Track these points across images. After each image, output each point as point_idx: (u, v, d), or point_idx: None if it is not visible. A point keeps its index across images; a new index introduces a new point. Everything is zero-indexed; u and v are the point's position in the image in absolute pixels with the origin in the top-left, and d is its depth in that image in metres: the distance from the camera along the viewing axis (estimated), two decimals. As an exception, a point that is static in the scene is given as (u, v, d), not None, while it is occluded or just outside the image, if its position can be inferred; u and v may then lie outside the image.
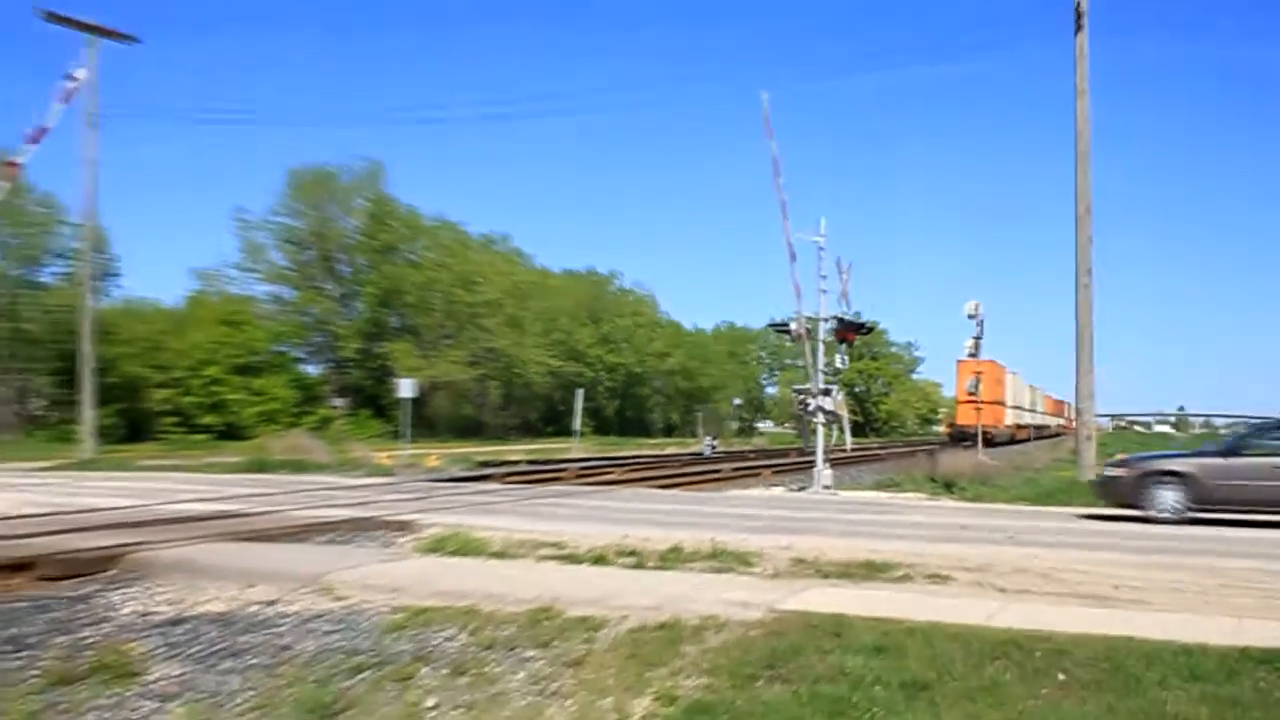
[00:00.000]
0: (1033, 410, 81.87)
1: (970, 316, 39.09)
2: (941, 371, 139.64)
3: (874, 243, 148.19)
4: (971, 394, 48.83)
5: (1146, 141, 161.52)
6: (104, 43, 37.92)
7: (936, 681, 7.30)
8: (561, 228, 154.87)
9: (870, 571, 12.24)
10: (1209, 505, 19.14)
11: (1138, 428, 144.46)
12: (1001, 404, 64.99)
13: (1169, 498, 19.24)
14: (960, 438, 55.24)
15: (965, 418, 55.42)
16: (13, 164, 21.61)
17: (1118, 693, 7.11)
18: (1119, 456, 22.18)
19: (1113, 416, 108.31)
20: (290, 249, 71.32)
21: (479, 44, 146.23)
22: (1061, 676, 7.52)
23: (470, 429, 73.07)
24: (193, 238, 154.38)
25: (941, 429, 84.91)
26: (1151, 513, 19.23)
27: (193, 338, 62.30)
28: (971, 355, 41.29)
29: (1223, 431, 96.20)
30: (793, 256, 26.60)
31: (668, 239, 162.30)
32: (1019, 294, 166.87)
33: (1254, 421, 35.11)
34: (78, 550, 12.78)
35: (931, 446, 54.76)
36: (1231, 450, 20.12)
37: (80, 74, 22.28)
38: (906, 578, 11.91)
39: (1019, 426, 72.06)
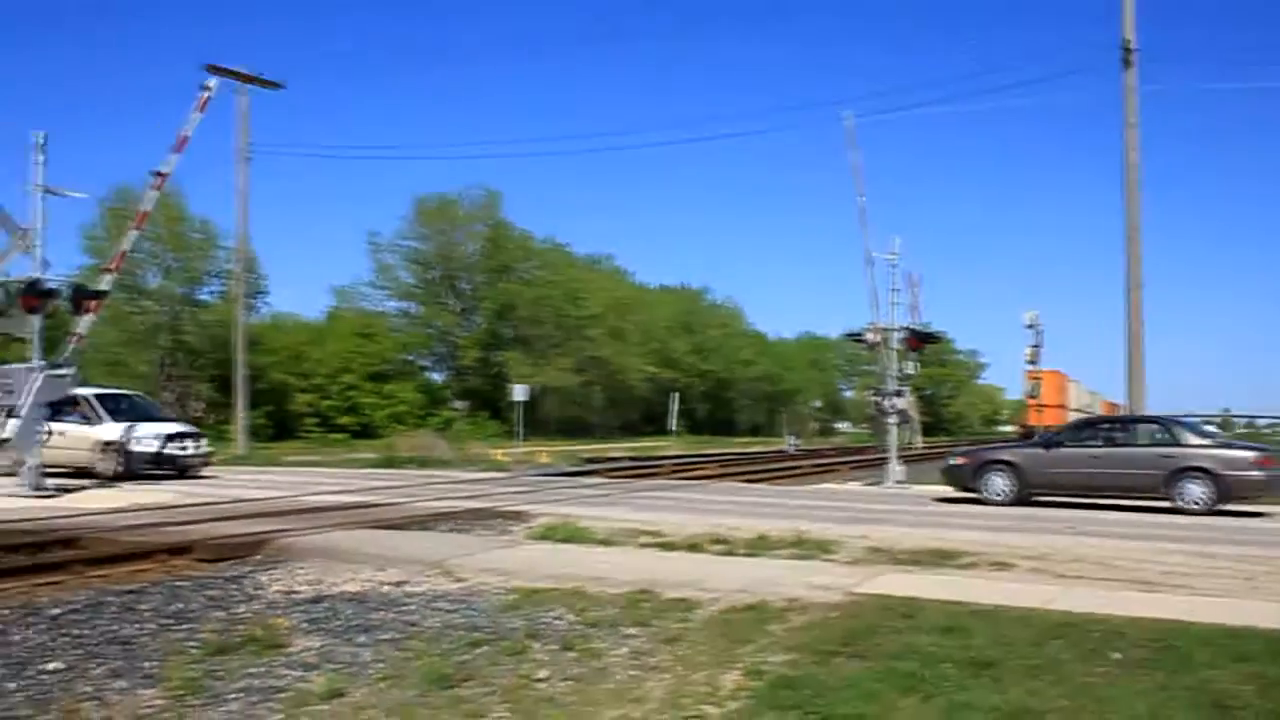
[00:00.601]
0: (1091, 412, 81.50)
1: (1029, 326, 38.76)
2: (1004, 376, 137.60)
3: (943, 257, 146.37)
4: (1032, 397, 48.43)
5: (1193, 136, 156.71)
6: (253, 88, 38.76)
7: (1000, 659, 7.20)
8: (658, 247, 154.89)
9: (939, 559, 12.11)
10: (1032, 490, 20.62)
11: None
12: (1064, 407, 64.81)
13: (999, 483, 20.70)
14: (1029, 436, 54.91)
15: (1034, 419, 53.99)
16: (160, 174, 21.89)
17: (1170, 671, 6.96)
18: (962, 449, 24.58)
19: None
20: (416, 269, 72.14)
21: (580, 82, 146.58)
22: (1117, 656, 7.37)
23: (577, 429, 73.23)
24: (331, 259, 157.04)
25: (1011, 429, 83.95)
26: (986, 496, 20.66)
27: (331, 348, 63.26)
28: (1031, 362, 40.96)
29: (1265, 431, 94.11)
30: (870, 262, 26.47)
31: (754, 255, 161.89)
32: (1079, 302, 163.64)
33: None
34: (230, 536, 13.04)
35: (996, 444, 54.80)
36: (1051, 444, 21.56)
37: (212, 84, 22.49)
38: (972, 564, 11.77)
39: None
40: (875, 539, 13.63)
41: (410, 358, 70.63)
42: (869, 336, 27.25)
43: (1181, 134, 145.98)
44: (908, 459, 28.61)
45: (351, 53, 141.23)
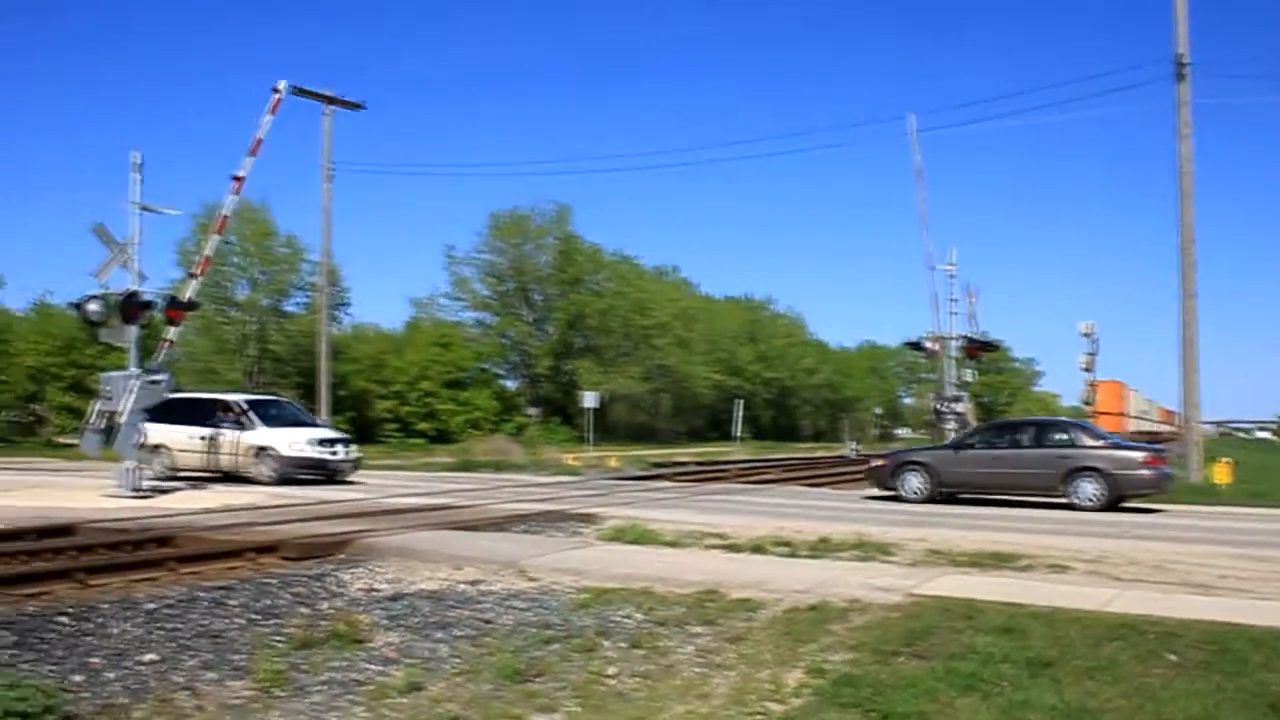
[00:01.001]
0: (1149, 419, 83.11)
1: (1085, 335, 38.37)
2: (1059, 384, 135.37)
3: (1001, 267, 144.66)
4: (1088, 404, 48.41)
5: (1245, 142, 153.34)
6: (337, 110, 39.30)
7: (1058, 659, 7.08)
8: (724, 259, 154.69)
9: (997, 561, 11.96)
10: (944, 488, 21.40)
11: (1239, 434, 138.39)
12: (1124, 415, 69.85)
13: (914, 482, 21.56)
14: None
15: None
16: (237, 178, 22.10)
17: (1225, 673, 6.81)
18: (883, 451, 25.85)
19: (1216, 423, 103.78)
20: (491, 281, 72.63)
21: (647, 100, 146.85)
22: (1173, 657, 7.22)
23: (645, 434, 73.34)
24: (410, 271, 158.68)
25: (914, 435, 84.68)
26: (903, 494, 21.46)
27: (410, 356, 63.78)
28: (1086, 370, 40.69)
29: None
30: (930, 265, 26.31)
31: (816, 266, 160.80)
32: (1139, 311, 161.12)
33: None
34: (315, 536, 13.17)
35: None
36: (960, 445, 22.67)
37: (281, 85, 22.59)
38: (1029, 567, 11.60)
39: (1137, 433, 74.32)
40: (934, 541, 13.49)
41: (485, 366, 71.05)
42: (928, 345, 27.19)
43: (1239, 142, 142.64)
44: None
45: (431, 77, 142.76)
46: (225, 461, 24.32)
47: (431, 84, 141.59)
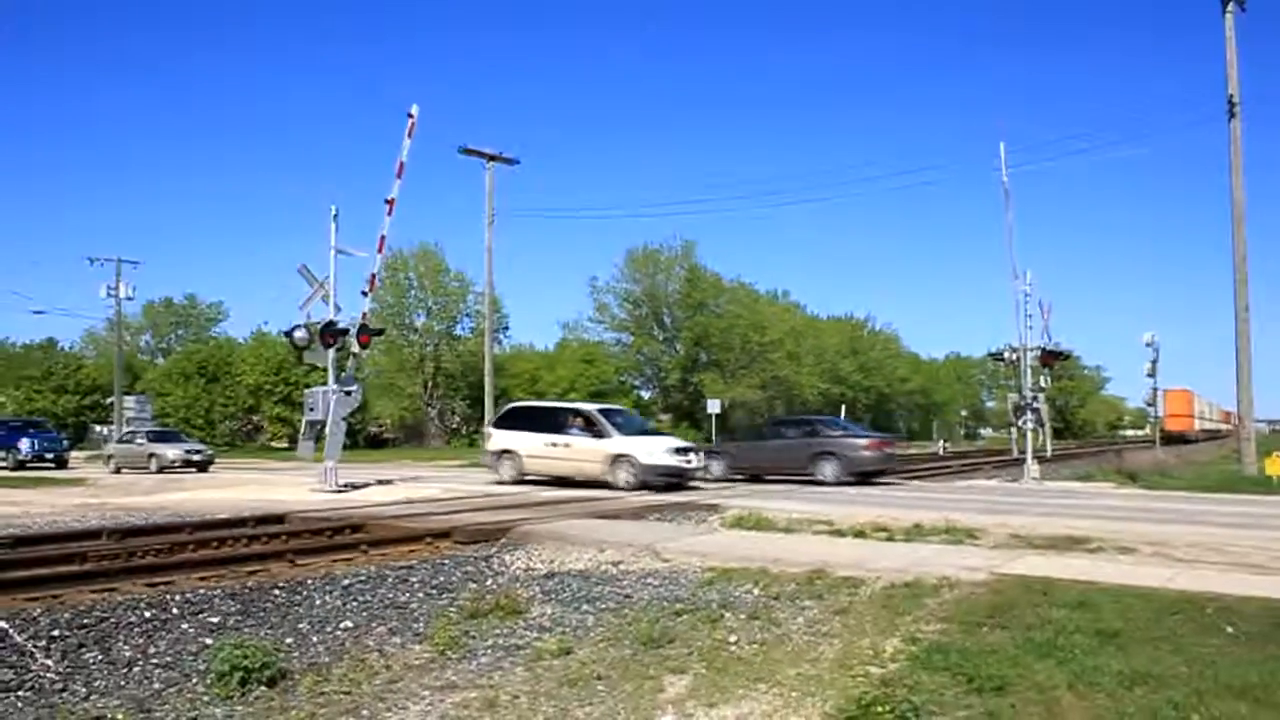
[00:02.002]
0: (1210, 420, 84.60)
1: (1148, 344, 37.42)
2: (1126, 388, 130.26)
3: (1077, 282, 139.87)
4: (1150, 405, 47.69)
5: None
6: (496, 165, 40.07)
7: (1125, 630, 6.86)
8: (828, 281, 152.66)
9: (1071, 544, 11.58)
10: (737, 469, 24.46)
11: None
12: (1192, 416, 73.35)
13: (717, 466, 24.29)
14: (1168, 440, 58.98)
15: (1171, 425, 64.70)
16: (389, 201, 22.26)
17: (1279, 644, 6.51)
18: (714, 446, 28.36)
19: (1270, 422, 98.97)
20: (628, 306, 73.16)
21: (762, 140, 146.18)
22: (1229, 630, 6.92)
23: (761, 436, 73.27)
24: (559, 298, 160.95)
25: (1146, 432, 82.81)
26: (708, 475, 23.31)
27: (560, 372, 64.66)
28: (1150, 375, 39.89)
29: None
30: (1015, 275, 25.77)
31: (909, 283, 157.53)
32: (1207, 322, 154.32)
33: None
34: (482, 524, 13.39)
35: (1118, 447, 57.34)
36: (755, 436, 27.68)
37: (414, 110, 22.48)
38: (1100, 549, 11.20)
39: (1201, 431, 77.28)
40: (1014, 526, 13.12)
41: (624, 378, 71.67)
42: (1007, 355, 26.63)
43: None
44: (1041, 459, 27.50)
45: (574, 129, 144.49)
46: (578, 467, 21.93)
47: (575, 135, 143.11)
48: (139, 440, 34.90)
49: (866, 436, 25.33)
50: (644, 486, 20.65)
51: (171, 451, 32.95)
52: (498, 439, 23.21)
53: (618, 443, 21.62)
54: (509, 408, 22.08)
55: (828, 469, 23.17)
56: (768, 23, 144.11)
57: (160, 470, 31.83)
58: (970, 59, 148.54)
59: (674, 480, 21.27)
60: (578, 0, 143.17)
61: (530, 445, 22.56)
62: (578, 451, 21.93)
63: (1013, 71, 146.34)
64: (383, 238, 22.39)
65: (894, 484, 24.29)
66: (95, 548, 11.46)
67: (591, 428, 22.19)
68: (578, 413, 23.26)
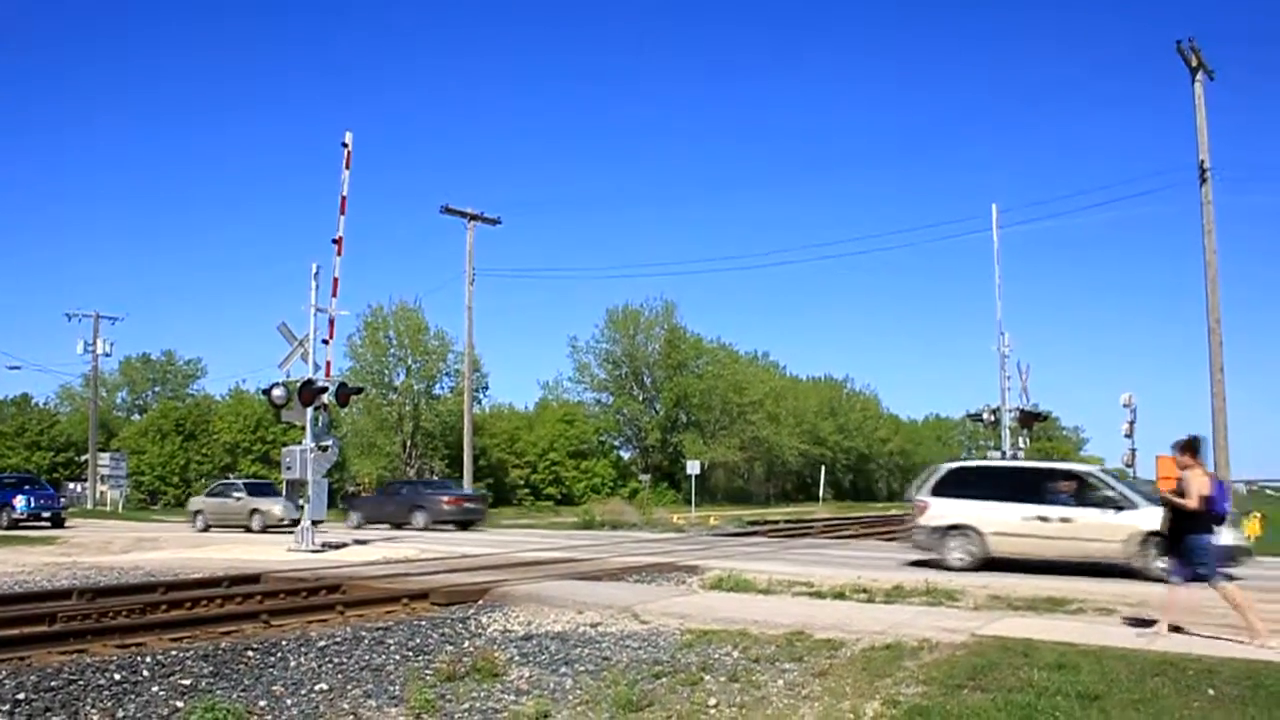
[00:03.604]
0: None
1: (1125, 405, 37.91)
2: (1104, 448, 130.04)
3: (1055, 345, 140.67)
4: (1129, 466, 48.46)
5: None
6: (477, 225, 40.32)
7: (1106, 693, 6.83)
8: (807, 343, 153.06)
9: (1051, 605, 11.59)
10: (369, 523, 31.19)
11: (1269, 491, 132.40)
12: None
13: (355, 517, 32.37)
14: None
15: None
16: (336, 240, 21.81)
17: (1261, 707, 6.50)
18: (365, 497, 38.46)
19: (1247, 482, 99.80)
20: (608, 366, 73.17)
21: (741, 212, 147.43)
22: (1211, 692, 6.91)
23: (741, 496, 72.92)
24: (539, 358, 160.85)
25: None
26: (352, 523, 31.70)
27: (539, 431, 64.47)
28: (1127, 435, 40.41)
29: None
30: (1001, 331, 26.00)
31: (888, 347, 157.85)
32: (1182, 381, 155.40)
33: None
34: (459, 585, 13.29)
35: None
36: (380, 495, 35.59)
37: (349, 138, 22.03)
38: (1080, 610, 11.21)
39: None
40: (995, 588, 13.11)
41: (604, 439, 71.47)
42: (986, 416, 26.77)
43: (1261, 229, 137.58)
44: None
45: (556, 192, 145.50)
46: (1081, 548, 15.54)
47: (556, 195, 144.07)
48: (235, 494, 31.19)
49: (448, 494, 32.35)
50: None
51: (278, 508, 27.59)
52: (945, 511, 16.85)
53: (1146, 515, 14.48)
54: (951, 469, 17.64)
55: (420, 519, 30.13)
56: (751, 87, 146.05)
57: (264, 529, 28.56)
58: (951, 127, 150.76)
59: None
60: (562, 62, 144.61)
61: (998, 519, 16.31)
62: (1083, 528, 15.49)
63: (996, 139, 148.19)
64: (335, 279, 21.77)
65: (875, 545, 24.25)
66: (65, 608, 11.28)
67: (1091, 495, 15.94)
68: (1070, 474, 16.79)
